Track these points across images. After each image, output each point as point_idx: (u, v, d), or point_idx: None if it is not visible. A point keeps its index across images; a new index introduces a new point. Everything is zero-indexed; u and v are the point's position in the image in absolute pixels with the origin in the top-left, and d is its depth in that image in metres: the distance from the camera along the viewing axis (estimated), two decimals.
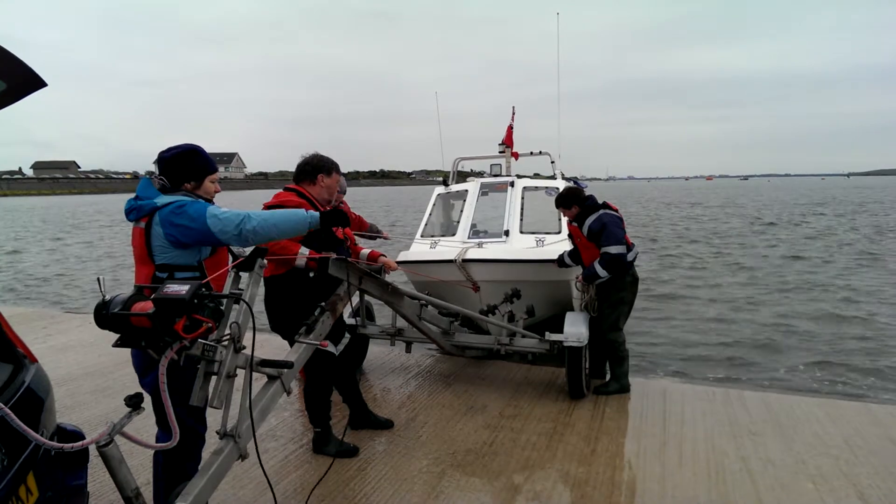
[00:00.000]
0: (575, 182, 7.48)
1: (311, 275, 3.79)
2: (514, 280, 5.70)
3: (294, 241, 3.65)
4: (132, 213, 2.84)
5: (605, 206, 5.31)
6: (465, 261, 5.72)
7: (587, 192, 5.48)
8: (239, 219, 2.71)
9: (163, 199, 2.79)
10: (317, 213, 2.91)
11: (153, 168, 3.05)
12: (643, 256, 14.87)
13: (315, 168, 4.00)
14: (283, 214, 2.85)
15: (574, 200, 5.36)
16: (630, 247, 5.21)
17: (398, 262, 6.02)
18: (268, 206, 3.82)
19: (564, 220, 6.62)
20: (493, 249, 6.06)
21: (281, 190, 4.06)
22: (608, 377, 5.41)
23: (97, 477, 3.63)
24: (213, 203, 2.97)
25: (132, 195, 2.91)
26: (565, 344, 5.04)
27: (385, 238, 6.63)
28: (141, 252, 2.82)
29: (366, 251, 4.54)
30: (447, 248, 6.28)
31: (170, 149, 2.96)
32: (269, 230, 2.78)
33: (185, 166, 2.92)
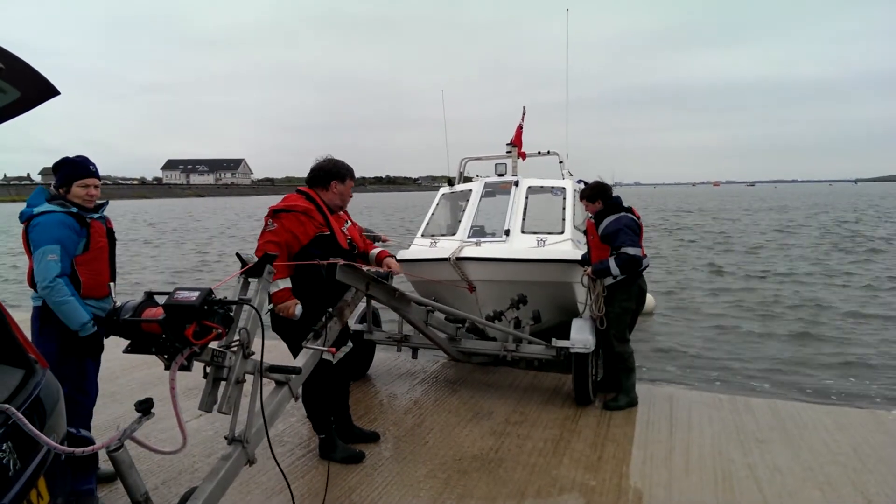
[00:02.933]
0: (584, 183, 7.37)
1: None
2: (509, 280, 5.61)
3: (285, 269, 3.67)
4: (21, 216, 3.38)
5: (629, 210, 5.20)
6: (459, 259, 5.56)
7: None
8: (47, 280, 3.20)
9: (40, 208, 3.33)
10: (91, 329, 3.29)
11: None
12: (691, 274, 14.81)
13: (328, 174, 3.99)
14: (71, 311, 3.26)
15: (600, 195, 5.23)
16: (643, 256, 5.11)
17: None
18: (274, 210, 3.82)
19: (569, 219, 6.55)
20: (489, 248, 5.91)
21: (293, 192, 4.03)
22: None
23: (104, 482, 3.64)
24: (91, 206, 3.45)
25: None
26: (572, 350, 5.01)
27: (384, 241, 6.58)
28: (26, 249, 3.35)
29: (375, 251, 4.45)
30: (444, 247, 6.12)
31: (72, 157, 3.47)
32: (56, 308, 3.24)
33: (56, 175, 3.45)
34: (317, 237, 3.80)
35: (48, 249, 3.22)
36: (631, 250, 4.95)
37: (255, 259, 2.89)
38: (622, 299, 5.14)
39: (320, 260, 3.65)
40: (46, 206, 3.32)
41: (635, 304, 5.23)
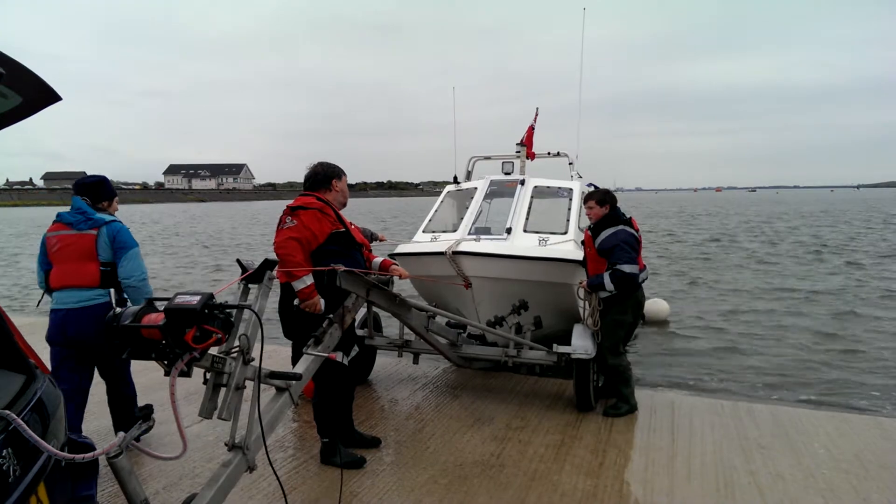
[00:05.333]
0: (595, 187, 7.32)
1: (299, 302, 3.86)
2: (506, 278, 5.56)
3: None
4: (83, 223, 3.91)
5: (629, 222, 5.15)
6: (455, 253, 5.45)
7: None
8: (144, 274, 3.98)
9: (106, 217, 4.01)
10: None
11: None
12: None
13: (326, 175, 4.11)
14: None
15: (611, 200, 5.20)
16: (641, 269, 5.08)
17: (393, 256, 5.91)
18: (293, 207, 3.91)
19: (574, 220, 6.50)
20: (486, 244, 5.79)
21: (301, 195, 4.10)
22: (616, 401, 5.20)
23: (106, 487, 3.64)
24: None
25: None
26: (573, 356, 5.00)
27: (381, 240, 6.53)
28: (90, 252, 3.89)
29: (378, 259, 4.49)
30: (442, 242, 5.98)
31: (86, 178, 4.28)
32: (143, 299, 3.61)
33: (104, 190, 4.19)
34: (333, 234, 3.90)
35: (138, 250, 3.98)
36: (627, 268, 4.90)
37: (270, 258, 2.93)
38: (617, 311, 5.11)
39: (340, 255, 3.80)
40: (109, 216, 4.04)
41: (631, 317, 5.18)
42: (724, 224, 36.20)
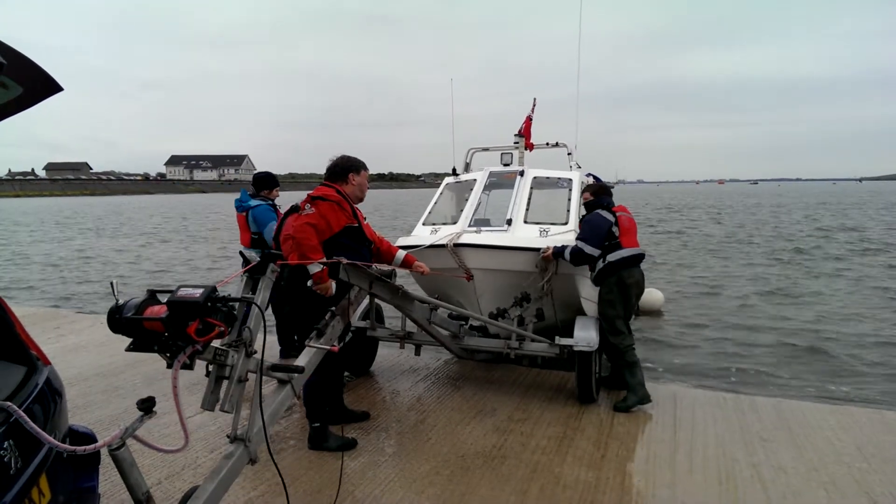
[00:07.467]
0: (595, 178, 7.30)
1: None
2: (508, 269, 5.54)
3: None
4: (240, 207, 6.01)
5: (610, 209, 5.24)
6: (456, 245, 5.42)
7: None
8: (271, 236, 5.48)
9: (251, 203, 5.97)
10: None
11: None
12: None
13: (345, 168, 4.27)
14: None
15: (588, 189, 5.60)
16: (626, 248, 5.12)
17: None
18: (313, 197, 4.08)
19: (574, 210, 6.48)
20: (488, 236, 5.76)
21: (322, 185, 4.28)
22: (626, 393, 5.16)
23: (108, 477, 3.64)
24: (275, 202, 6.10)
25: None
26: (575, 348, 4.99)
27: None
28: (245, 226, 5.99)
29: (402, 253, 4.66)
30: (443, 234, 5.94)
31: (259, 173, 6.36)
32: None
33: (269, 181, 6.19)
34: (346, 228, 4.06)
35: (272, 225, 5.51)
36: (580, 244, 5.15)
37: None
38: (603, 293, 5.22)
39: (350, 249, 3.94)
40: (255, 201, 5.97)
41: (617, 295, 5.15)
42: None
